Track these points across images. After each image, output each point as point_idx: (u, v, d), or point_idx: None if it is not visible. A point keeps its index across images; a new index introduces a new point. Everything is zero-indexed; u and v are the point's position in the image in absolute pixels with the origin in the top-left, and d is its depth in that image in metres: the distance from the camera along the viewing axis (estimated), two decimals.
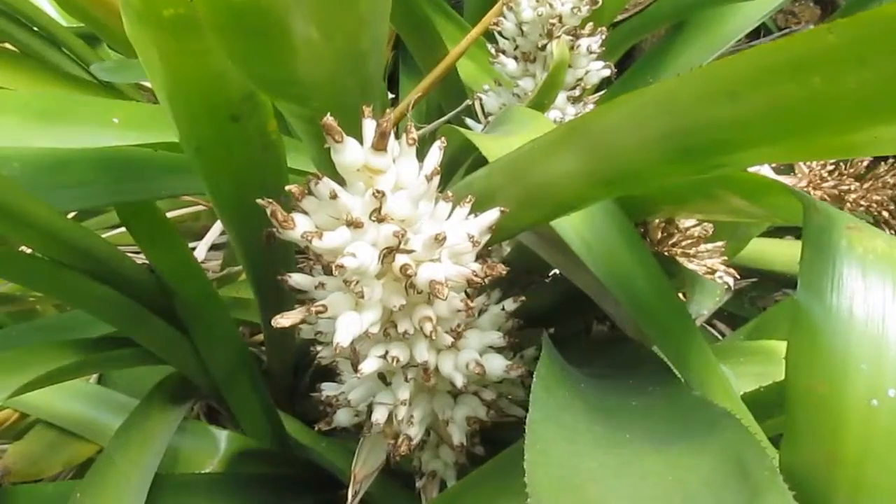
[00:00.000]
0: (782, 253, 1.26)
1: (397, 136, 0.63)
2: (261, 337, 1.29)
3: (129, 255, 1.17)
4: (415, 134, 0.62)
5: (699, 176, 0.59)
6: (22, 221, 0.73)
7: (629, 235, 0.76)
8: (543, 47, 1.04)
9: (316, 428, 0.84)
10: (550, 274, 1.06)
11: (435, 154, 0.64)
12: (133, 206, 0.90)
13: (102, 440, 1.05)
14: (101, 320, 0.92)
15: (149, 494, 0.85)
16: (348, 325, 0.61)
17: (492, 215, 0.67)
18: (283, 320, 0.62)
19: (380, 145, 0.59)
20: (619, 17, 1.41)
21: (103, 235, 1.24)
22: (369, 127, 0.62)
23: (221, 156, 0.77)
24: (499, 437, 0.86)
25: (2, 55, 1.33)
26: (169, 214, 1.42)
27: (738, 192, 0.64)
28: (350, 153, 0.59)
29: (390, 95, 1.46)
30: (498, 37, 1.11)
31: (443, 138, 0.65)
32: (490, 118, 1.11)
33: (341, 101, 0.68)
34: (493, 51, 1.12)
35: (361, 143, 0.61)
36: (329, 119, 0.57)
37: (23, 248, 0.87)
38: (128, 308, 0.89)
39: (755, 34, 1.62)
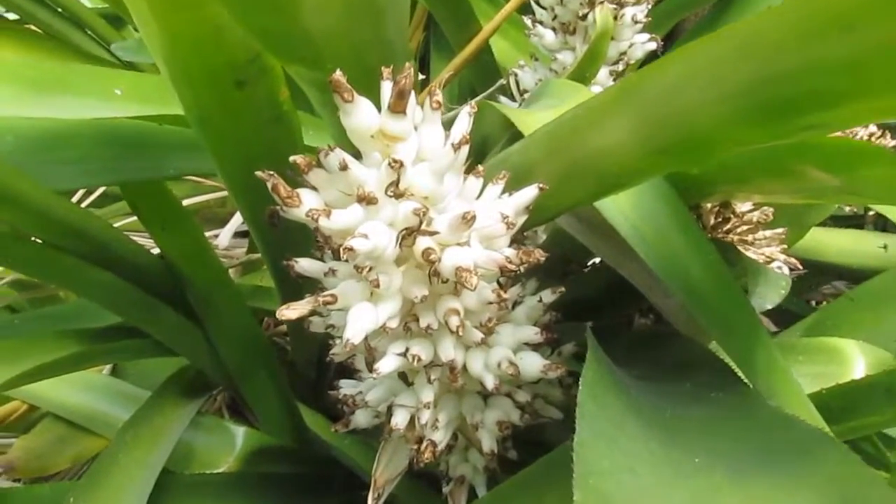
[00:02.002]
0: (837, 243, 1.13)
1: (420, 103, 0.52)
2: (285, 327, 1.19)
3: (141, 240, 1.08)
4: (440, 96, 0.51)
5: (778, 141, 0.48)
6: (7, 199, 0.64)
7: (683, 219, 0.65)
8: (584, 17, 0.93)
9: (333, 429, 0.73)
10: (590, 263, 0.95)
11: (464, 120, 0.53)
12: (139, 186, 0.80)
13: (113, 435, 0.95)
14: (105, 308, 0.82)
15: (155, 496, 0.76)
16: (361, 318, 0.50)
17: (528, 193, 0.56)
18: (290, 312, 0.52)
19: (397, 106, 0.48)
20: None
21: (117, 224, 1.15)
22: (387, 88, 0.51)
23: (228, 128, 0.67)
24: (532, 437, 0.75)
25: (23, 34, 1.24)
26: (193, 200, 1.33)
27: (821, 163, 0.52)
28: (362, 114, 0.48)
29: (421, 77, 1.34)
30: (535, 6, 0.99)
31: (472, 102, 0.54)
32: (526, 95, 1.00)
33: (358, 65, 0.57)
34: (529, 22, 1.00)
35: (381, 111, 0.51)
36: (338, 74, 0.47)
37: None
38: (132, 295, 0.79)
39: None
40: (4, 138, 0.72)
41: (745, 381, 0.58)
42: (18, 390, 0.94)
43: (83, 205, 1.22)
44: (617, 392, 0.46)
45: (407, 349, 0.56)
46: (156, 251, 0.93)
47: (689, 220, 0.65)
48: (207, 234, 1.32)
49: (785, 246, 0.81)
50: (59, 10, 1.35)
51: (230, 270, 1.30)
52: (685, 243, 0.64)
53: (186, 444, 0.93)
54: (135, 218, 1.23)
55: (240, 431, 0.96)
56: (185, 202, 1.30)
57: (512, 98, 1.06)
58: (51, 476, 0.97)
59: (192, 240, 0.86)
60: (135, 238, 1.13)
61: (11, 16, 1.38)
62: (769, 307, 0.67)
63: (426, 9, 1.25)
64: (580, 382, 0.43)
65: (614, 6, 0.90)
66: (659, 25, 1.19)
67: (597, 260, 0.95)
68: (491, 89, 1.10)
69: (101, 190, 1.23)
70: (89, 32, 1.36)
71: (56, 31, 1.31)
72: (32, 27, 1.36)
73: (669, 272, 0.62)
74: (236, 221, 1.30)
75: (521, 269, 0.55)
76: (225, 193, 1.41)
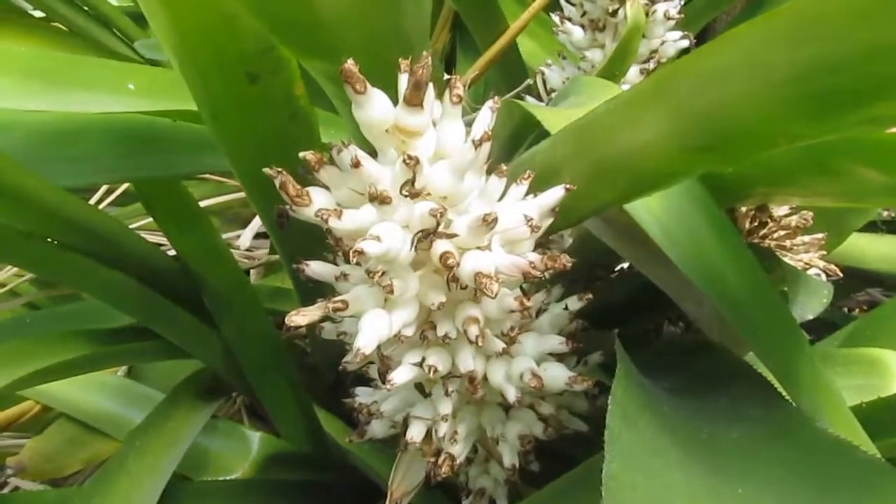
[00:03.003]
0: (876, 249, 1.07)
1: (440, 97, 0.48)
2: (304, 329, 1.15)
3: (158, 240, 1.05)
4: (461, 90, 0.47)
5: (831, 136, 0.42)
6: (12, 196, 0.60)
7: (718, 222, 0.60)
8: (615, 13, 0.88)
9: (348, 439, 0.69)
10: (618, 268, 0.90)
11: (486, 116, 0.49)
12: (154, 186, 0.76)
13: None
14: (118, 310, 0.79)
15: (165, 502, 0.72)
16: (373, 326, 0.46)
17: (554, 194, 0.51)
18: (299, 318, 0.48)
19: (414, 98, 0.43)
20: None
21: (135, 224, 1.11)
22: (404, 82, 0.47)
23: (241, 124, 0.63)
24: (554, 447, 0.70)
25: (48, 31, 1.22)
26: (215, 200, 1.29)
27: (873, 161, 0.47)
28: (375, 107, 0.44)
29: (446, 77, 1.30)
30: (564, 3, 0.95)
31: (496, 98, 0.50)
32: (553, 94, 0.95)
33: (375, 57, 0.53)
34: (557, 19, 0.96)
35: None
36: (349, 64, 0.42)
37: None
38: (145, 296, 0.75)
39: None
40: (13, 132, 0.68)
41: (786, 396, 0.53)
42: (31, 390, 0.91)
43: (103, 203, 1.19)
44: (650, 412, 0.42)
45: (423, 359, 0.52)
46: (171, 252, 0.90)
47: (725, 224, 0.60)
48: (229, 234, 1.28)
49: (824, 252, 0.76)
50: (85, 7, 1.32)
51: (252, 272, 1.26)
52: (721, 248, 0.59)
53: (201, 449, 0.90)
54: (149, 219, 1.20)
55: (255, 437, 0.93)
56: (207, 202, 1.27)
57: (539, 98, 1.02)
58: (63, 479, 0.93)
59: (208, 240, 0.82)
60: (152, 238, 1.10)
61: (38, 13, 1.36)
62: (810, 317, 0.62)
63: (452, 8, 1.21)
64: (610, 402, 0.39)
65: (646, 2, 0.86)
66: (689, 24, 1.14)
67: (625, 265, 0.90)
68: (517, 89, 1.06)
69: (122, 188, 1.20)
70: (114, 30, 1.33)
71: (81, 29, 1.29)
72: (58, 24, 1.33)
73: (704, 279, 0.57)
74: (258, 222, 1.26)
75: (546, 275, 0.50)
76: None
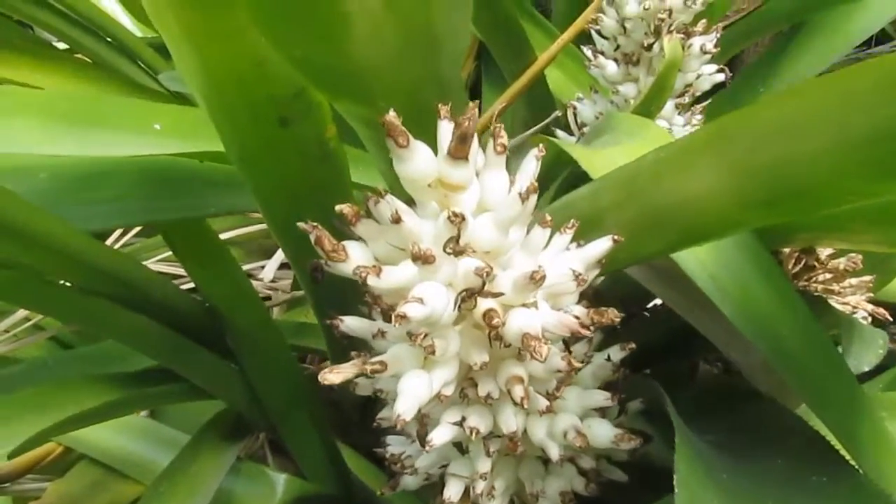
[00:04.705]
0: None
1: (481, 145, 0.45)
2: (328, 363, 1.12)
3: (173, 278, 1.03)
4: (505, 139, 0.44)
5: None
6: (33, 241, 0.58)
7: (767, 269, 0.57)
8: (649, 47, 0.85)
9: (380, 492, 0.66)
10: (650, 305, 0.87)
11: (531, 165, 0.46)
12: (178, 224, 0.74)
13: (150, 480, 0.88)
14: (139, 352, 0.76)
15: None
16: (414, 390, 0.43)
17: (602, 245, 0.48)
18: (333, 376, 0.45)
19: (459, 151, 0.41)
20: (721, 23, 1.21)
21: (156, 258, 1.09)
22: (446, 130, 0.44)
23: (271, 167, 0.60)
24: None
25: (71, 63, 1.20)
26: (237, 231, 1.27)
27: None
28: (418, 161, 0.41)
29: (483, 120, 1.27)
30: (596, 36, 0.92)
31: (541, 145, 0.47)
32: (585, 129, 0.93)
33: (412, 102, 0.50)
34: (590, 53, 0.93)
35: (436, 152, 0.44)
36: (391, 116, 0.40)
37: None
38: (168, 339, 0.72)
39: (867, 43, 1.38)
40: (38, 175, 0.66)
41: (846, 456, 0.50)
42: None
43: (127, 236, 1.17)
44: (714, 485, 0.38)
45: (463, 418, 0.49)
46: (190, 285, 0.87)
47: (775, 270, 0.57)
48: (252, 266, 1.26)
49: (871, 295, 0.73)
50: (109, 39, 1.31)
51: (275, 306, 1.24)
52: (772, 297, 0.56)
53: (225, 492, 0.87)
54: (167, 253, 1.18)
55: (280, 479, 0.89)
56: (230, 234, 1.24)
57: (568, 131, 0.99)
58: None
59: (232, 278, 0.80)
60: (172, 270, 1.07)
61: (62, 45, 1.35)
62: (866, 369, 0.59)
63: (477, 38, 1.18)
64: (676, 482, 0.36)
65: (681, 35, 0.83)
66: (716, 57, 1.12)
67: (658, 302, 0.87)
68: (545, 122, 1.03)
69: None
70: (139, 62, 1.32)
71: (105, 61, 1.27)
72: (82, 56, 1.32)
73: (755, 330, 0.54)
74: (282, 254, 1.24)
75: (592, 330, 0.47)
76: None
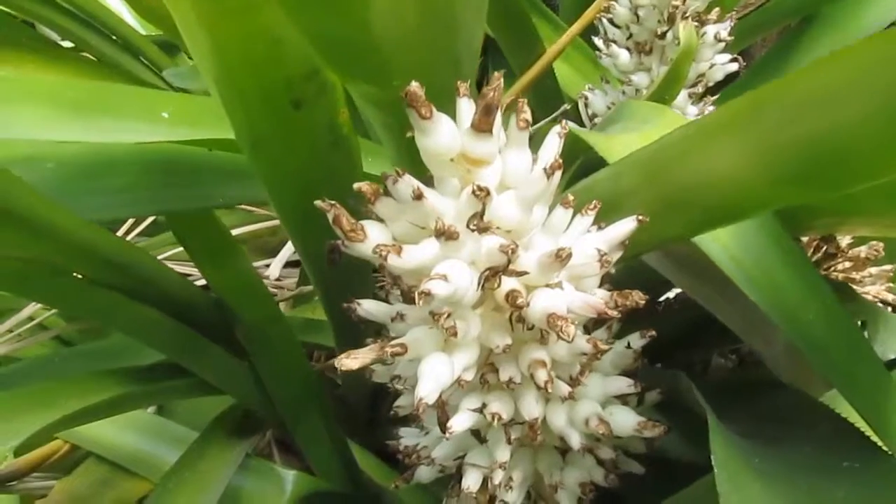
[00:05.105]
0: None
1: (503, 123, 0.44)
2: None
3: (184, 272, 1.01)
4: (528, 114, 0.43)
5: None
6: (39, 231, 0.56)
7: (792, 254, 0.56)
8: (663, 35, 0.84)
9: (393, 485, 0.64)
10: (663, 298, 0.85)
11: (554, 142, 0.45)
12: (187, 217, 0.72)
13: (157, 477, 0.87)
14: (147, 346, 0.75)
15: None
16: (436, 373, 0.42)
17: (626, 226, 0.47)
18: (350, 362, 0.44)
19: (483, 124, 0.39)
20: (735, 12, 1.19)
21: (167, 253, 1.08)
22: (466, 107, 0.43)
23: (282, 153, 0.59)
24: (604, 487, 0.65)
25: (77, 61, 1.19)
26: (243, 229, 1.25)
27: None
28: (442, 134, 0.39)
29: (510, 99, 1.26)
30: (608, 25, 0.90)
31: (563, 122, 0.46)
32: (596, 120, 0.91)
33: (428, 82, 0.49)
34: (601, 43, 0.91)
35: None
36: (414, 86, 0.38)
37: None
38: (177, 332, 0.71)
39: None
40: (45, 165, 0.65)
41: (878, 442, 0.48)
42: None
43: (133, 233, 1.16)
44: (751, 470, 0.37)
45: (483, 405, 0.48)
46: (201, 282, 0.86)
47: (800, 256, 0.56)
48: (258, 264, 1.24)
49: (891, 284, 0.71)
50: (114, 37, 1.30)
51: (281, 303, 1.22)
52: (797, 282, 0.54)
53: (234, 489, 0.85)
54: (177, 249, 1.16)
55: (289, 476, 0.88)
56: (235, 231, 1.23)
57: (579, 123, 0.98)
58: None
59: (242, 273, 0.78)
60: (182, 268, 1.06)
61: (67, 44, 1.34)
62: (892, 357, 0.57)
63: (484, 31, 1.17)
64: (714, 463, 0.34)
65: (695, 23, 0.81)
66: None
67: (671, 295, 0.86)
68: (554, 114, 1.01)
69: (151, 217, 1.16)
70: (143, 60, 1.31)
71: (110, 59, 1.26)
72: (87, 55, 1.30)
73: (781, 315, 0.52)
74: (287, 251, 1.22)
75: (618, 312, 0.46)
76: (276, 222, 1.33)
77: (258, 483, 0.87)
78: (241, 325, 0.79)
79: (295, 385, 0.84)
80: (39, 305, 1.06)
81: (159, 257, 1.13)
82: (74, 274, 0.65)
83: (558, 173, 0.42)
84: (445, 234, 0.39)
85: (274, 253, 1.27)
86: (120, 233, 1.14)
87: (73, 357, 0.88)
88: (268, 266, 1.22)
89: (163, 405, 0.97)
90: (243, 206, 1.22)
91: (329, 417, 0.87)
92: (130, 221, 1.15)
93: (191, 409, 0.98)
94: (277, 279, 1.24)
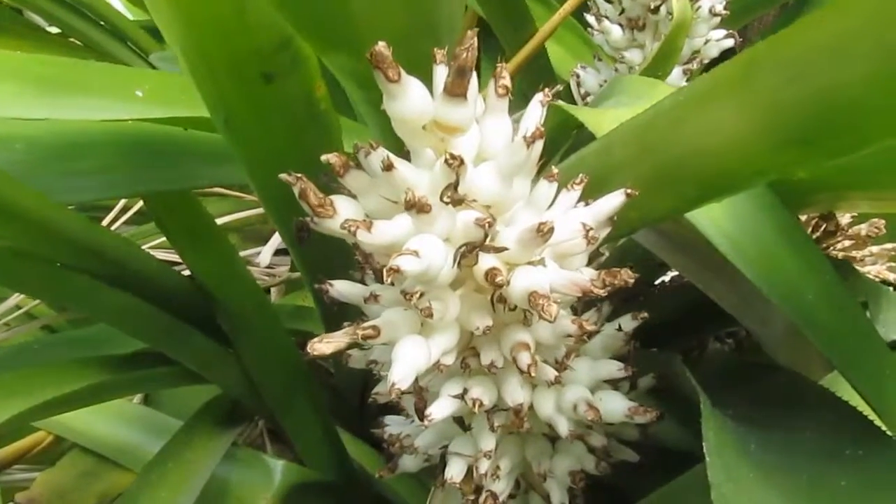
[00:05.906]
0: None
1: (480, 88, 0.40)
2: None
3: (173, 261, 0.98)
4: (507, 80, 0.40)
5: None
6: (10, 216, 0.53)
7: (791, 232, 0.52)
8: (656, 9, 0.80)
9: (378, 475, 0.61)
10: (658, 281, 0.82)
11: (536, 111, 0.42)
12: (166, 200, 0.69)
13: None
14: (126, 334, 0.71)
15: None
16: (409, 356, 0.38)
17: (613, 200, 0.44)
18: (323, 346, 0.41)
19: (456, 87, 0.36)
20: None
21: (151, 243, 1.04)
22: (442, 74, 0.40)
23: (256, 129, 0.56)
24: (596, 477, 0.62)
25: (63, 46, 1.16)
26: (233, 216, 1.22)
27: None
28: (412, 98, 0.36)
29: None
30: (600, 1, 0.87)
31: (546, 90, 0.42)
32: (588, 99, 0.88)
33: (407, 52, 0.45)
34: (593, 19, 0.88)
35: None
36: (381, 47, 0.35)
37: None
38: (156, 319, 0.68)
39: None
40: (13, 146, 0.61)
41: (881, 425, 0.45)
42: (44, 420, 0.84)
43: (117, 223, 1.12)
44: (746, 457, 0.34)
45: (465, 390, 0.44)
46: (186, 271, 0.82)
47: (799, 233, 0.53)
48: (249, 251, 1.21)
49: (893, 264, 0.68)
50: (102, 22, 1.26)
51: (272, 290, 1.19)
52: (795, 260, 0.51)
53: (221, 480, 0.82)
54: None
55: (278, 465, 0.85)
56: (226, 219, 1.20)
57: (571, 102, 0.94)
58: None
59: (225, 258, 0.75)
60: (166, 257, 1.03)
61: (54, 29, 1.30)
62: (895, 337, 0.54)
63: (475, 12, 1.13)
64: (706, 449, 0.31)
65: None
66: None
67: (665, 278, 0.82)
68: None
69: (136, 207, 1.13)
70: (130, 45, 1.27)
71: (96, 44, 1.23)
72: (73, 40, 1.27)
73: (778, 293, 0.49)
74: (278, 238, 1.19)
75: (605, 292, 0.42)
76: None
77: (245, 473, 0.84)
78: (224, 312, 0.76)
79: (282, 374, 0.81)
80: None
81: (146, 246, 1.10)
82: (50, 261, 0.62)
83: (539, 143, 0.39)
84: (416, 207, 0.36)
85: (265, 240, 1.24)
86: (106, 221, 1.11)
87: (53, 344, 0.85)
88: (258, 253, 1.20)
89: (150, 396, 0.94)
90: (233, 193, 1.18)
91: (319, 407, 0.84)
92: (117, 209, 1.12)
93: (179, 400, 0.95)
94: (269, 266, 1.21)
